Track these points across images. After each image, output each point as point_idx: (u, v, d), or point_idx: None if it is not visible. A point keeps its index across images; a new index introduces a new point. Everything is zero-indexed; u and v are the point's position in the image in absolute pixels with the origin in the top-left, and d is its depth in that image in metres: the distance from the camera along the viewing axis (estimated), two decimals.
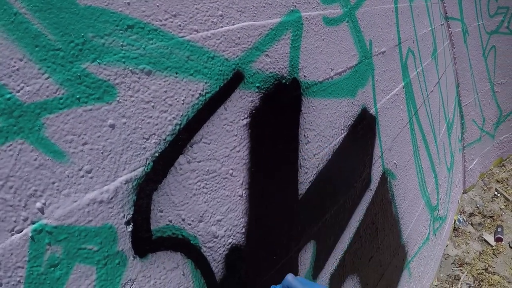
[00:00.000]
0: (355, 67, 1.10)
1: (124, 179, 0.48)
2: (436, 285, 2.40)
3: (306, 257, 0.91)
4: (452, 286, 2.38)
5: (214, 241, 0.63)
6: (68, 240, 0.43)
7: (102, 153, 0.46)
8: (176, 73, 0.54)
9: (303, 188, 0.85)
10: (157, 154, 0.52)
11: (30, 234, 0.39)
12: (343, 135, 1.03)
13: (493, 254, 2.61)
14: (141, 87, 0.50)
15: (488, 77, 3.36)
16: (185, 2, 0.56)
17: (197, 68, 0.57)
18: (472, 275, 2.45)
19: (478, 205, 3.15)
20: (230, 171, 0.65)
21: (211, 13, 0.60)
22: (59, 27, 0.41)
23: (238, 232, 0.68)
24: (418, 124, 1.83)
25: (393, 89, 1.45)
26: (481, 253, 2.65)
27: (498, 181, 3.43)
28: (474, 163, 3.34)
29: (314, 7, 0.88)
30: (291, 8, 0.80)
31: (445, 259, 2.63)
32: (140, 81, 0.50)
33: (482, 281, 2.38)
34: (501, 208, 3.08)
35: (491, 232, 2.82)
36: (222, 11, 0.62)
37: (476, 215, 3.04)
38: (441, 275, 2.50)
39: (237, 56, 0.64)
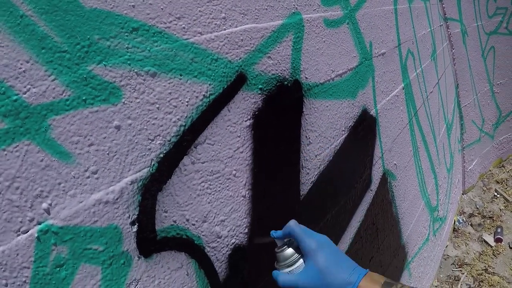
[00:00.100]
0: (356, 69, 1.11)
1: (130, 179, 0.49)
2: (436, 286, 2.41)
3: None
4: (452, 287, 2.39)
5: (218, 241, 0.63)
6: (74, 241, 0.43)
7: (107, 154, 0.46)
8: (181, 75, 0.55)
9: (304, 188, 0.86)
10: (162, 155, 0.53)
11: (36, 235, 0.40)
12: (344, 136, 1.04)
13: (493, 254, 2.61)
14: (146, 89, 0.50)
15: (487, 78, 3.38)
16: (188, 5, 0.56)
17: (201, 70, 0.58)
18: (472, 276, 2.46)
19: (477, 206, 3.16)
20: (234, 172, 0.66)
21: (214, 16, 0.60)
22: (65, 29, 0.42)
23: (241, 232, 0.68)
24: (418, 125, 1.84)
25: (393, 90, 1.46)
26: (481, 254, 2.65)
27: (497, 182, 3.44)
28: (473, 163, 3.35)
29: (315, 9, 0.89)
30: (293, 11, 0.80)
31: (445, 259, 2.63)
32: (145, 83, 0.50)
33: (482, 281, 2.39)
34: (500, 209, 3.08)
35: (491, 233, 2.83)
36: (225, 13, 0.63)
37: (476, 215, 3.05)
38: (441, 275, 2.50)
39: (240, 58, 0.65)
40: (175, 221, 0.55)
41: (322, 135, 0.92)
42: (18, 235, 0.38)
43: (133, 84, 0.49)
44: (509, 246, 2.66)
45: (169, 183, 0.54)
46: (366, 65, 1.19)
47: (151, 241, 0.52)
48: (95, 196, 0.45)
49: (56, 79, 0.41)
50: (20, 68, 0.38)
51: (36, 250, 0.40)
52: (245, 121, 0.68)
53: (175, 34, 0.54)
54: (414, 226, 1.82)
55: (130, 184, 0.49)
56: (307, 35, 0.85)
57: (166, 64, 0.52)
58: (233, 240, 0.67)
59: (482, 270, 2.49)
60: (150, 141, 0.51)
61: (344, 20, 1.04)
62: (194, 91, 0.57)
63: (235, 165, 0.66)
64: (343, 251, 1.09)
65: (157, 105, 0.52)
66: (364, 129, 1.18)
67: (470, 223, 2.98)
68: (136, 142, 0.49)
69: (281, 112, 0.77)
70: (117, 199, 0.47)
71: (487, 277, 2.41)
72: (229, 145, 0.64)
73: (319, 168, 0.92)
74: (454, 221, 2.94)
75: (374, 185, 1.30)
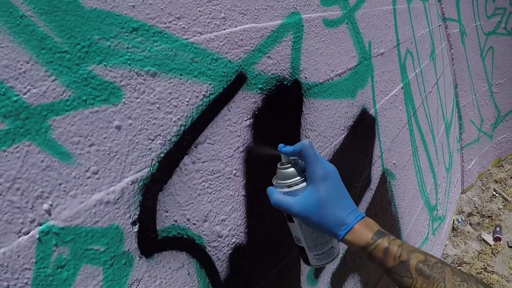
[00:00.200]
0: (355, 68, 1.11)
1: (130, 179, 0.49)
2: None
3: None
4: None
5: (219, 241, 0.63)
6: (75, 241, 0.43)
7: (108, 154, 0.46)
8: (181, 75, 0.55)
9: None
10: (162, 155, 0.53)
11: (37, 236, 0.40)
12: (343, 136, 1.04)
13: (492, 253, 2.62)
14: (147, 89, 0.50)
15: (486, 78, 3.39)
16: (188, 5, 0.56)
17: (201, 70, 0.58)
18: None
19: (476, 205, 3.16)
20: (234, 171, 0.66)
21: (214, 16, 0.61)
22: (65, 29, 0.42)
23: (241, 232, 0.69)
24: (417, 125, 1.84)
25: (392, 90, 1.46)
26: (480, 253, 2.66)
27: (496, 181, 3.45)
28: (472, 163, 3.36)
29: (314, 9, 0.89)
30: (292, 10, 0.81)
31: (444, 258, 2.64)
32: (146, 83, 0.50)
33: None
34: (499, 208, 3.09)
35: (490, 232, 2.84)
36: (224, 13, 0.63)
37: (475, 215, 3.06)
38: None
39: (240, 58, 0.65)
40: (176, 221, 0.55)
41: (321, 134, 0.92)
42: (19, 236, 0.38)
43: (133, 84, 0.49)
44: (508, 245, 2.67)
45: (170, 183, 0.54)
46: (365, 64, 1.19)
47: (152, 241, 0.52)
48: (96, 197, 0.45)
49: (56, 80, 0.41)
50: (20, 69, 0.38)
51: (37, 251, 0.40)
52: (245, 120, 0.68)
53: (175, 34, 0.54)
54: (414, 225, 1.83)
55: (131, 184, 0.49)
56: (306, 35, 0.85)
57: (166, 64, 0.52)
58: (233, 240, 0.67)
59: (481, 268, 2.49)
60: (150, 141, 0.51)
61: (343, 20, 1.04)
62: (194, 91, 0.57)
63: (235, 165, 0.66)
64: (343, 249, 1.09)
65: (158, 105, 0.52)
66: (364, 128, 1.18)
67: (469, 222, 2.98)
68: (137, 142, 0.49)
69: (281, 111, 0.77)
70: (118, 199, 0.47)
71: (486, 275, 2.42)
72: (230, 144, 0.65)
73: None
74: (453, 220, 2.94)
75: (374, 184, 1.30)
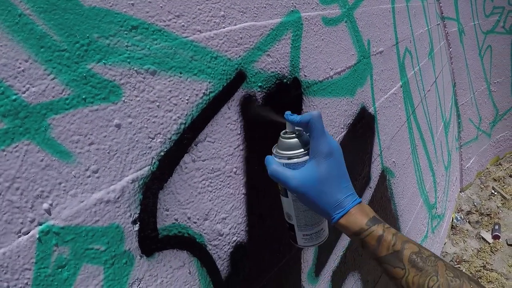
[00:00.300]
0: (354, 67, 1.11)
1: (131, 178, 0.48)
2: None
3: (309, 254, 0.91)
4: None
5: (219, 239, 0.63)
6: (75, 241, 0.43)
7: (108, 152, 0.46)
8: (181, 73, 0.55)
9: None
10: (162, 153, 0.52)
11: (37, 236, 0.39)
12: (343, 134, 1.04)
13: (491, 251, 2.63)
14: (146, 87, 0.50)
15: (484, 77, 3.39)
16: (188, 3, 0.56)
17: (200, 68, 0.57)
18: (471, 272, 2.47)
19: (475, 203, 3.17)
20: (234, 169, 0.66)
21: (213, 14, 0.60)
22: (64, 28, 0.42)
23: (242, 230, 0.68)
24: (416, 123, 1.84)
25: (391, 88, 1.46)
26: (479, 251, 2.67)
27: (494, 180, 3.46)
28: (471, 161, 3.37)
29: (313, 8, 0.89)
30: (291, 9, 0.80)
31: (444, 256, 2.65)
32: (145, 81, 0.50)
33: (480, 278, 2.40)
34: (498, 206, 3.10)
35: (489, 230, 2.85)
36: (224, 11, 0.63)
37: (474, 213, 3.06)
38: None
39: (239, 56, 0.65)
40: (176, 219, 0.55)
41: None
42: (19, 236, 0.38)
43: (133, 82, 0.48)
44: (507, 243, 2.68)
45: (170, 181, 0.54)
46: (364, 63, 1.19)
47: (153, 240, 0.51)
48: (96, 196, 0.45)
49: (55, 78, 0.41)
50: (19, 68, 0.38)
51: (38, 251, 0.39)
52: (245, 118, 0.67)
53: (175, 32, 0.54)
54: (413, 223, 1.83)
55: (131, 183, 0.49)
56: (305, 33, 0.85)
57: (165, 62, 0.52)
58: (234, 238, 0.66)
59: (480, 266, 2.50)
60: (150, 139, 0.51)
61: (342, 18, 1.04)
62: (194, 89, 0.57)
63: (235, 163, 0.66)
64: (344, 247, 1.09)
65: (157, 103, 0.52)
66: (363, 126, 1.18)
67: (468, 221, 2.99)
68: (137, 141, 0.49)
69: (281, 109, 0.77)
70: (118, 198, 0.47)
71: (485, 273, 2.42)
72: (230, 142, 0.64)
73: None
74: (452, 219, 2.95)
75: (373, 182, 1.30)
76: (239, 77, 0.65)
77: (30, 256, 0.39)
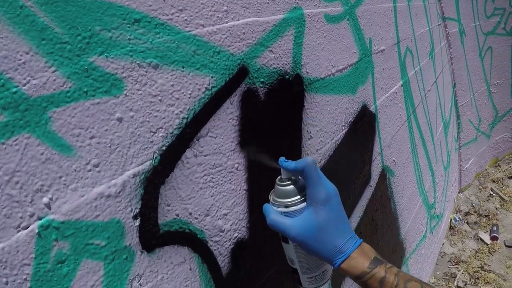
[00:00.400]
0: (356, 65, 1.11)
1: (132, 172, 0.48)
2: (433, 283, 2.42)
3: None
4: (449, 284, 2.40)
5: (221, 235, 0.63)
6: (76, 236, 0.42)
7: (109, 146, 0.45)
8: (183, 67, 0.54)
9: None
10: (164, 148, 0.52)
11: (36, 230, 0.39)
12: (344, 132, 1.04)
13: (489, 252, 2.63)
14: (149, 81, 0.50)
15: (484, 78, 3.40)
16: None
17: (203, 63, 0.57)
18: (468, 273, 2.47)
19: (473, 204, 3.18)
20: (236, 165, 0.65)
21: (216, 8, 0.60)
22: (66, 20, 0.41)
23: (243, 226, 0.68)
24: (416, 123, 1.84)
25: (392, 87, 1.46)
26: (477, 252, 2.67)
27: (493, 181, 3.46)
28: (470, 162, 3.37)
29: (316, 5, 0.89)
30: (294, 5, 0.80)
31: (442, 257, 2.65)
32: (148, 75, 0.49)
33: (478, 278, 2.41)
34: (496, 208, 3.11)
35: (487, 231, 2.85)
36: (227, 6, 0.62)
37: (472, 214, 3.07)
38: (438, 273, 2.52)
39: (242, 51, 0.65)
40: (177, 215, 0.55)
41: (323, 129, 0.92)
42: (18, 231, 0.37)
43: (135, 76, 0.48)
44: (505, 244, 2.68)
45: (172, 176, 0.53)
46: (365, 61, 1.19)
47: (153, 235, 0.51)
48: (96, 190, 0.44)
49: (56, 71, 0.40)
50: (19, 60, 0.38)
51: (37, 246, 0.39)
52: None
53: (177, 26, 0.53)
54: (412, 223, 1.83)
55: (132, 178, 0.48)
56: (308, 30, 0.85)
57: (168, 56, 0.52)
58: (235, 234, 0.66)
59: (478, 267, 2.50)
60: (152, 133, 0.50)
61: (345, 16, 1.04)
62: (197, 84, 0.56)
63: (237, 158, 0.65)
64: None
65: (160, 97, 0.51)
66: (364, 124, 1.18)
67: (466, 221, 3.00)
68: (138, 135, 0.49)
69: (283, 106, 0.76)
70: (119, 192, 0.46)
71: (483, 274, 2.43)
72: (232, 138, 0.64)
73: (320, 162, 0.91)
74: (451, 219, 2.95)
75: (374, 181, 1.30)
76: (242, 72, 0.64)
77: (30, 251, 0.38)
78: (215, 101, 0.59)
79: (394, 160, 1.51)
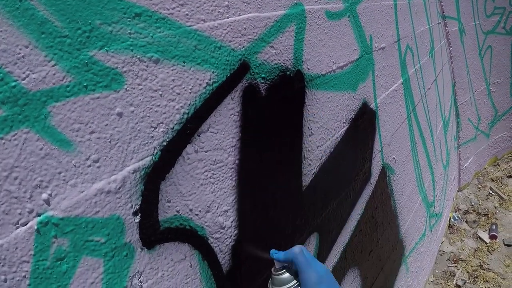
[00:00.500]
0: (356, 62, 1.10)
1: (132, 168, 0.47)
2: (432, 281, 2.42)
3: (310, 249, 0.91)
4: (448, 282, 2.40)
5: (221, 232, 0.62)
6: (75, 232, 0.42)
7: (109, 142, 0.45)
8: (184, 62, 0.54)
9: (306, 180, 0.85)
10: (165, 143, 0.51)
11: (35, 227, 0.38)
12: (345, 128, 1.03)
13: (488, 251, 2.64)
14: (149, 75, 0.49)
15: (484, 77, 3.40)
16: None
17: (204, 58, 0.56)
18: (467, 272, 2.48)
19: (472, 203, 3.18)
20: (237, 161, 0.65)
21: (217, 3, 0.59)
22: (66, 13, 0.40)
23: (244, 223, 0.67)
24: (416, 121, 1.84)
25: (392, 85, 1.46)
26: (476, 250, 2.67)
27: (492, 180, 3.47)
28: (469, 161, 3.37)
29: (317, 1, 0.88)
30: (295, 1, 0.79)
31: (441, 255, 2.65)
32: (148, 69, 0.49)
33: (477, 277, 2.41)
34: (495, 207, 3.11)
35: (486, 230, 2.85)
36: (228, 1, 0.61)
37: (471, 212, 3.07)
38: (437, 271, 2.52)
39: (243, 47, 0.64)
40: (178, 211, 0.54)
41: (323, 126, 0.92)
42: (17, 227, 0.37)
43: (135, 70, 0.47)
44: (504, 243, 2.69)
45: (172, 172, 0.53)
46: (366, 58, 1.18)
47: (154, 232, 0.50)
48: (96, 186, 0.44)
49: (56, 65, 0.40)
50: (19, 53, 0.37)
51: (36, 243, 0.38)
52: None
53: (178, 21, 0.53)
54: (412, 221, 1.83)
55: (133, 173, 0.48)
56: (309, 26, 0.84)
57: (169, 50, 0.51)
58: (236, 231, 0.66)
59: (477, 266, 2.51)
60: (153, 128, 0.50)
61: (345, 13, 1.03)
62: (198, 79, 0.56)
63: (238, 154, 0.65)
64: (344, 243, 1.09)
65: (160, 92, 0.51)
66: (365, 122, 1.17)
67: (465, 220, 3.00)
68: (139, 130, 0.48)
69: (284, 102, 0.76)
70: (119, 188, 0.46)
71: (482, 273, 2.43)
72: (233, 134, 0.63)
73: (320, 159, 0.91)
74: (450, 218, 2.96)
75: (374, 179, 1.29)
76: (243, 68, 0.64)
77: (29, 248, 0.38)
78: (216, 97, 0.59)
79: (394, 158, 1.50)
